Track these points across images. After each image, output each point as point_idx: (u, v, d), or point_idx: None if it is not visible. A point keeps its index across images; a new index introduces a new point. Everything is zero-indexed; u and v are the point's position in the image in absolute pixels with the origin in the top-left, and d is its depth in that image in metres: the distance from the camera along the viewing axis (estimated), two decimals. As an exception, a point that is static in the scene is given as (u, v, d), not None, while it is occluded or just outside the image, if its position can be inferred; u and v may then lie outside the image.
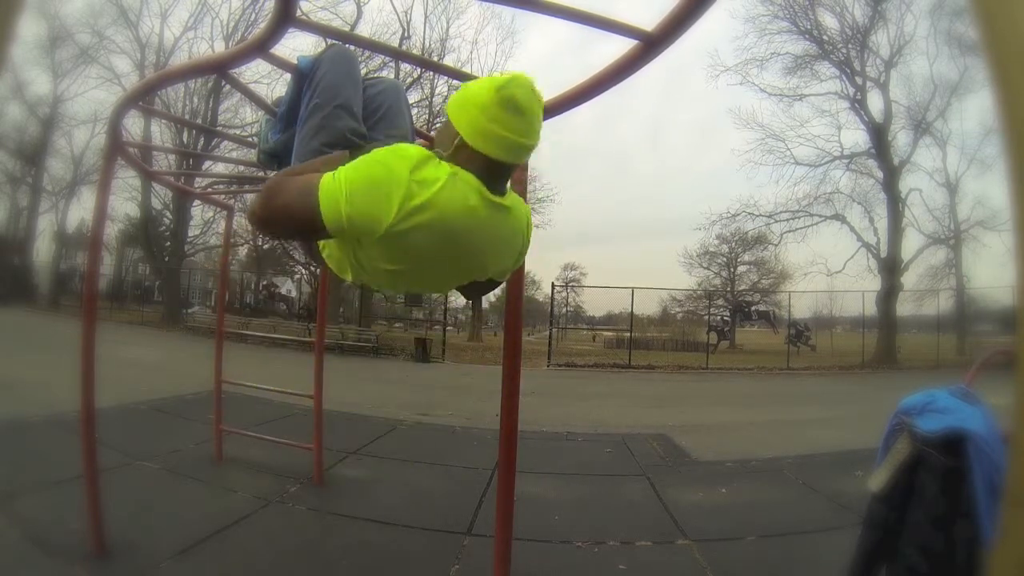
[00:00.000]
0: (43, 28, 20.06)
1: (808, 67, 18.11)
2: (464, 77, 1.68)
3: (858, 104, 17.80)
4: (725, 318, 23.55)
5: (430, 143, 1.38)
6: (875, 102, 17.60)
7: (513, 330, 1.89)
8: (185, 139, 18.31)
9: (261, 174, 3.03)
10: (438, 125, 1.19)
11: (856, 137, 18.44)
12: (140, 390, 5.47)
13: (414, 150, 1.02)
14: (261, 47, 1.38)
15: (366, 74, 1.63)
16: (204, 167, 14.32)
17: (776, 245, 21.22)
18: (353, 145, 1.33)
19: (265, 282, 27.49)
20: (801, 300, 24.97)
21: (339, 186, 0.96)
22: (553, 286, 17.91)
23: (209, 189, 4.85)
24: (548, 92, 1.66)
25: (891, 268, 16.94)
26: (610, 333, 24.02)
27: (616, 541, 2.68)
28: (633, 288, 15.66)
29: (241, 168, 4.27)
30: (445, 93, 17.66)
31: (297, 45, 8.89)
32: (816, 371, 14.36)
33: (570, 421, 5.85)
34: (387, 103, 1.55)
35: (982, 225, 17.07)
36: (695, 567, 2.43)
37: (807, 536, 2.80)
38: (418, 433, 4.99)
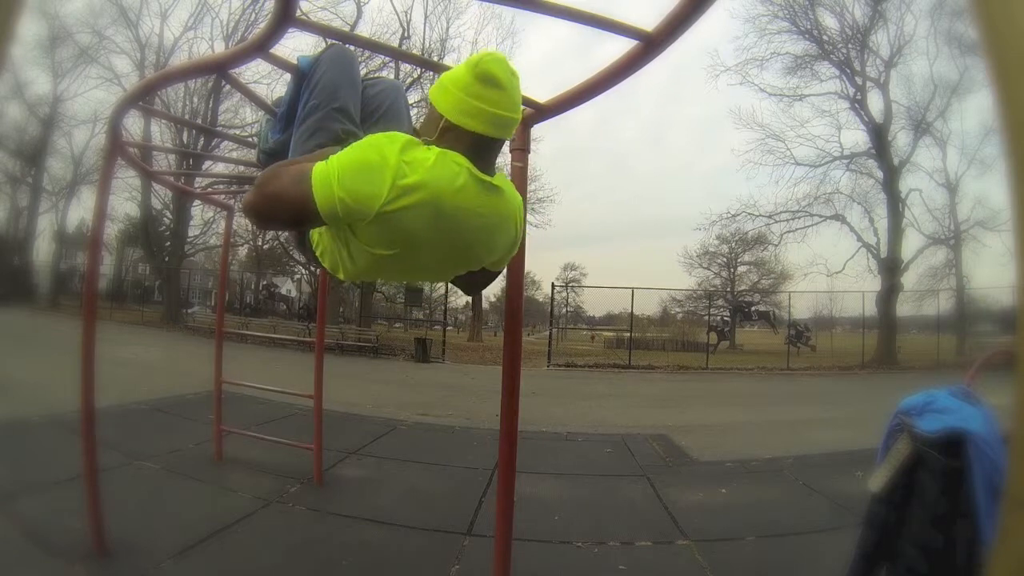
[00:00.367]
0: (43, 28, 20.05)
1: (808, 67, 18.06)
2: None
3: (858, 104, 17.75)
4: (725, 318, 23.52)
5: None
6: (875, 102, 17.58)
7: (513, 330, 1.89)
8: (185, 139, 18.28)
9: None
10: (421, 119, 1.21)
11: (856, 137, 18.40)
12: (140, 390, 5.47)
13: (404, 135, 1.05)
14: (261, 47, 1.38)
15: (366, 74, 1.64)
16: (204, 167, 14.29)
17: (776, 245, 21.15)
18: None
19: (265, 282, 27.48)
20: (801, 300, 25.07)
21: (331, 171, 0.98)
22: (553, 286, 17.88)
23: (209, 189, 4.84)
24: (548, 92, 1.66)
25: (891, 268, 16.90)
26: (610, 333, 23.97)
27: (616, 541, 2.68)
28: (633, 288, 15.68)
29: (241, 168, 4.26)
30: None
31: (297, 45, 8.88)
32: (816, 371, 14.34)
33: (570, 421, 5.85)
34: (387, 103, 1.55)
35: (982, 225, 17.02)
36: (695, 567, 2.43)
37: (807, 536, 2.79)
38: (418, 433, 4.99)
